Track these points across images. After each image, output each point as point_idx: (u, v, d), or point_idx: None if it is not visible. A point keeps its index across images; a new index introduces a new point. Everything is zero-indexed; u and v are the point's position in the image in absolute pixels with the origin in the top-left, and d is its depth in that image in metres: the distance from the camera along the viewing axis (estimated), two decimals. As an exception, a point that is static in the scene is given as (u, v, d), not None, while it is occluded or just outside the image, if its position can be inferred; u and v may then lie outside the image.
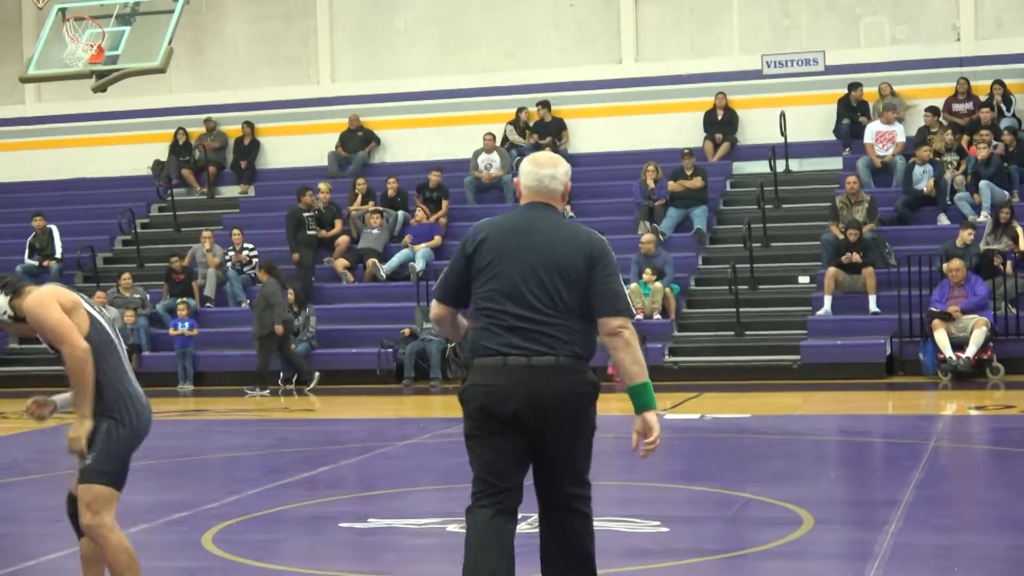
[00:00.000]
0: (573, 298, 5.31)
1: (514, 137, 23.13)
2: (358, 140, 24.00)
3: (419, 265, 20.48)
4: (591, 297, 5.31)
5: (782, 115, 21.43)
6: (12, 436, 14.58)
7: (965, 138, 20.86)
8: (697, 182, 20.95)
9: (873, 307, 18.48)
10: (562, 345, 5.29)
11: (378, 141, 24.19)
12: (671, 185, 20.95)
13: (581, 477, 5.43)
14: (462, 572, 5.30)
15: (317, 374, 18.81)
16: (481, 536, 5.29)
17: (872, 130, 21.36)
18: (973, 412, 14.81)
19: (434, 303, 5.54)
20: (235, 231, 21.46)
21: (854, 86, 21.95)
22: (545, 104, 23.07)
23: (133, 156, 24.94)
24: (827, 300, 18.60)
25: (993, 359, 17.16)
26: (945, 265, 17.74)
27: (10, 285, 6.04)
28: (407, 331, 19.10)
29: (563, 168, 5.53)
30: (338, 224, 21.63)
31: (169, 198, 23.94)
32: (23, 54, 23.93)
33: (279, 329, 18.49)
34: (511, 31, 23.69)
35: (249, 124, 24.54)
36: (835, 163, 22.00)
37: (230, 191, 24.57)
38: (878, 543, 7.55)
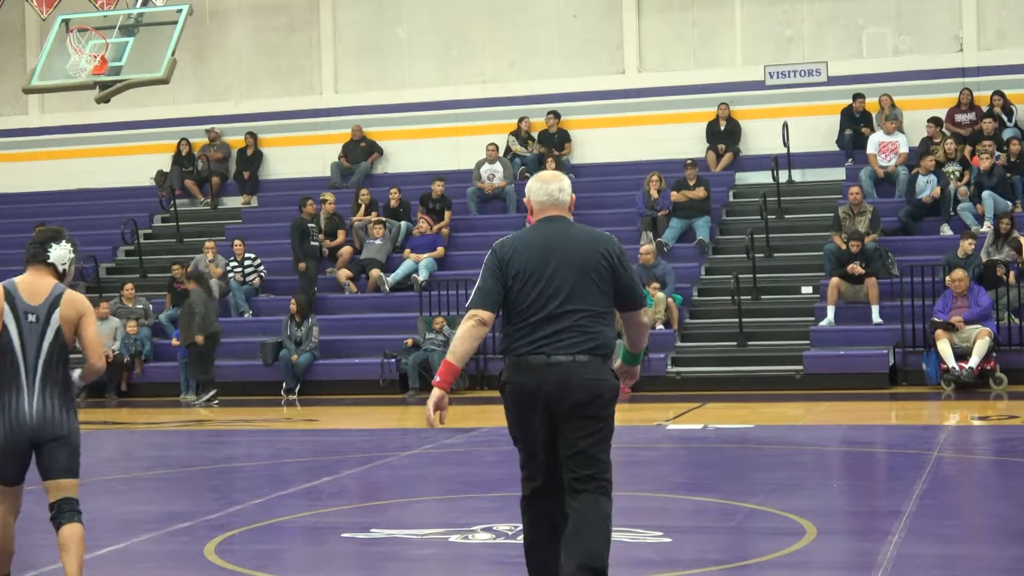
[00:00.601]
0: (598, 299, 5.92)
1: (516, 148, 23.14)
2: (361, 150, 24.01)
3: (422, 276, 20.47)
4: (619, 296, 5.99)
5: (785, 126, 21.45)
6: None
7: (967, 148, 20.87)
8: (700, 192, 20.96)
9: (876, 317, 18.47)
10: (581, 344, 5.86)
11: (381, 151, 24.21)
12: (674, 195, 20.94)
13: (593, 461, 5.85)
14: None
15: (215, 391, 18.57)
16: (527, 511, 6.04)
17: (875, 140, 21.38)
18: (976, 422, 14.80)
19: (480, 312, 5.87)
20: (237, 242, 21.46)
21: (857, 97, 21.95)
22: (555, 114, 23.09)
23: (136, 167, 24.97)
24: (830, 310, 18.58)
25: (996, 369, 17.14)
26: (948, 276, 17.73)
27: (25, 259, 6.65)
28: (410, 341, 19.09)
29: (566, 181, 6.16)
30: (341, 234, 21.64)
31: (172, 209, 23.95)
32: (26, 65, 24.01)
33: (199, 339, 18.49)
34: (514, 42, 23.71)
35: (252, 135, 24.55)
36: (838, 173, 22.00)
37: (233, 202, 24.60)
38: (881, 553, 7.54)
